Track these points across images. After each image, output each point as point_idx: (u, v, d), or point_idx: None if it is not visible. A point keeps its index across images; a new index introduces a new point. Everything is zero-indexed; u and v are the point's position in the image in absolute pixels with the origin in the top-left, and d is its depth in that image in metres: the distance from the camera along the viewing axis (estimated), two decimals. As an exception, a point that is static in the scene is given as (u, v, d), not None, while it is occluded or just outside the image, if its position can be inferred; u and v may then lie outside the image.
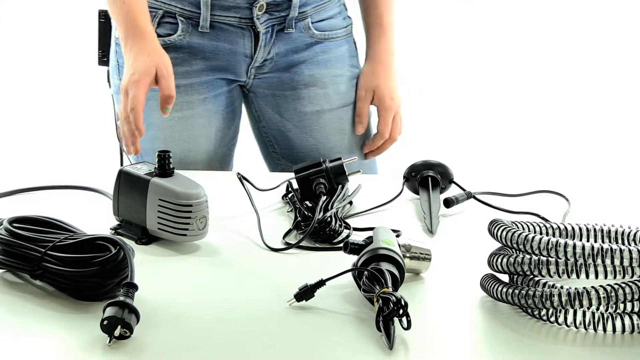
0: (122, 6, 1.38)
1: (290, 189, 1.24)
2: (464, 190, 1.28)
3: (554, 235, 0.96)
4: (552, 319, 0.87)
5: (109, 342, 0.81)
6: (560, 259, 0.85)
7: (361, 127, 1.57)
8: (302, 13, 1.50)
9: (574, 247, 0.84)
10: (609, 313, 0.86)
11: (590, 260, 0.84)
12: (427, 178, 1.29)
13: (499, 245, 0.94)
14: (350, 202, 1.25)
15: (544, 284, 0.87)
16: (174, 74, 1.41)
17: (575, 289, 0.85)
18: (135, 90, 1.29)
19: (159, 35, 1.44)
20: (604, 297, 0.84)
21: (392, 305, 0.83)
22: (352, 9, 1.61)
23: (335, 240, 1.12)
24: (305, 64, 1.53)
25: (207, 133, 1.52)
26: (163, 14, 1.46)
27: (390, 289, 0.86)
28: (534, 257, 0.87)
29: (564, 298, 0.85)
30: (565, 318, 0.87)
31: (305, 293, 0.91)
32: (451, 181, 1.30)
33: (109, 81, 1.58)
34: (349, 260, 0.97)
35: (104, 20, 1.56)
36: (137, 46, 1.37)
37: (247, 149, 1.67)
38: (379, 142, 1.58)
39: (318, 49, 1.54)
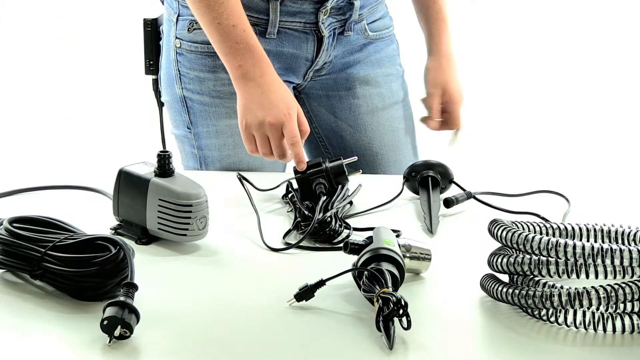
0: (232, 30, 1.32)
1: (290, 189, 1.24)
2: (464, 190, 1.28)
3: (554, 235, 0.96)
4: (552, 319, 0.87)
5: (109, 342, 0.81)
6: (560, 259, 0.85)
7: (434, 123, 1.58)
8: (360, 15, 1.50)
9: (574, 247, 0.84)
10: (609, 313, 0.86)
11: (590, 260, 0.84)
12: (427, 178, 1.29)
13: (499, 245, 0.94)
14: (350, 202, 1.25)
15: (544, 284, 0.87)
16: None
17: (575, 289, 0.85)
18: (291, 124, 1.29)
19: None
20: (604, 297, 0.84)
21: (392, 305, 0.83)
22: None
23: (335, 240, 1.12)
24: (360, 64, 1.54)
25: None
26: None
27: (390, 289, 0.86)
28: (534, 257, 0.87)
29: (564, 298, 0.85)
30: (565, 318, 0.87)
31: (305, 293, 0.91)
32: (451, 181, 1.30)
33: (157, 90, 1.56)
34: (349, 260, 0.97)
35: (150, 29, 1.55)
36: (267, 76, 1.33)
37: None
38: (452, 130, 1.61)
39: (371, 49, 1.55)
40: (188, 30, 1.45)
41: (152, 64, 1.55)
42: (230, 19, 1.32)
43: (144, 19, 1.54)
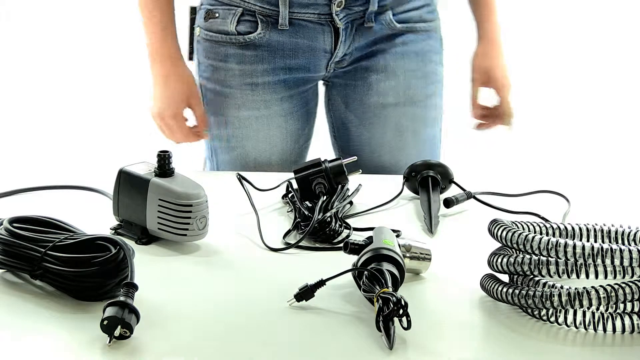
0: (156, 23, 1.45)
1: (290, 189, 1.24)
2: (464, 190, 1.28)
3: (554, 235, 0.96)
4: (552, 319, 0.87)
5: (109, 342, 0.81)
6: (560, 259, 0.85)
7: (474, 113, 1.60)
8: (382, 6, 1.48)
9: (574, 247, 0.84)
10: (609, 313, 0.86)
11: (590, 260, 0.84)
12: (427, 178, 1.29)
13: (499, 245, 0.94)
14: (350, 202, 1.25)
15: (544, 284, 0.87)
16: (254, 71, 1.46)
17: (575, 289, 0.85)
18: (178, 124, 1.47)
19: (238, 33, 1.45)
20: (604, 297, 0.84)
21: (392, 305, 0.83)
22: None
23: (335, 240, 1.12)
24: (382, 53, 1.51)
25: (283, 133, 1.52)
26: (242, 12, 1.45)
27: (390, 289, 0.86)
28: (534, 257, 0.87)
29: (564, 298, 0.85)
30: (565, 318, 0.87)
31: (305, 293, 0.91)
32: (451, 181, 1.30)
33: None
34: (349, 260, 0.97)
35: (194, 17, 1.57)
36: (166, 69, 1.45)
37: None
38: (505, 120, 1.60)
39: (398, 40, 1.52)
40: (205, 18, 1.49)
41: (193, 51, 1.59)
42: (146, 12, 1.46)
43: (190, 7, 1.57)
